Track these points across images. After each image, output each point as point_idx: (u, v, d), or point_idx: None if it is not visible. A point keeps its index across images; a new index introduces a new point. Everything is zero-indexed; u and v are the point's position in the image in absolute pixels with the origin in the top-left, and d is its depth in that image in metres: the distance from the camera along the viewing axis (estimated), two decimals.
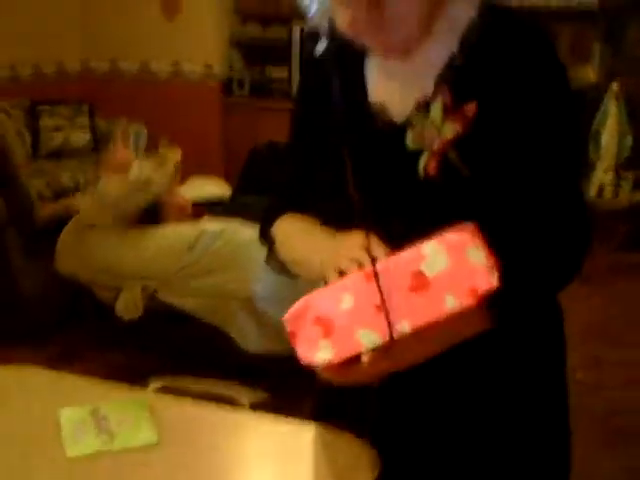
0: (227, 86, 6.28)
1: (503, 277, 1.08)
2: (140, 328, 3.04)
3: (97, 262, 3.08)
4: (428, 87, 1.18)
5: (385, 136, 1.21)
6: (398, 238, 1.12)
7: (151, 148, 5.38)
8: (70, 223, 3.23)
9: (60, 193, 4.87)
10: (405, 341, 1.06)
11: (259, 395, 1.79)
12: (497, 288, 1.08)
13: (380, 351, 1.06)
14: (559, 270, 1.23)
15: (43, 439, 1.44)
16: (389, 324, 1.06)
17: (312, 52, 1.29)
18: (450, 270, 1.07)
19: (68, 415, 1.51)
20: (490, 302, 1.10)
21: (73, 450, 1.38)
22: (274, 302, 2.51)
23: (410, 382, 1.22)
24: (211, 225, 2.99)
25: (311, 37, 1.28)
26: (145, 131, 5.89)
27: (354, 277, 1.09)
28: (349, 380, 1.12)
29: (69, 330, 3.44)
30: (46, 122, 5.49)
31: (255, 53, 6.17)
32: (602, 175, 5.32)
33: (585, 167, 5.52)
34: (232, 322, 2.91)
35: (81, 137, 5.65)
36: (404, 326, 1.06)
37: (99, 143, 5.74)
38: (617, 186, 5.30)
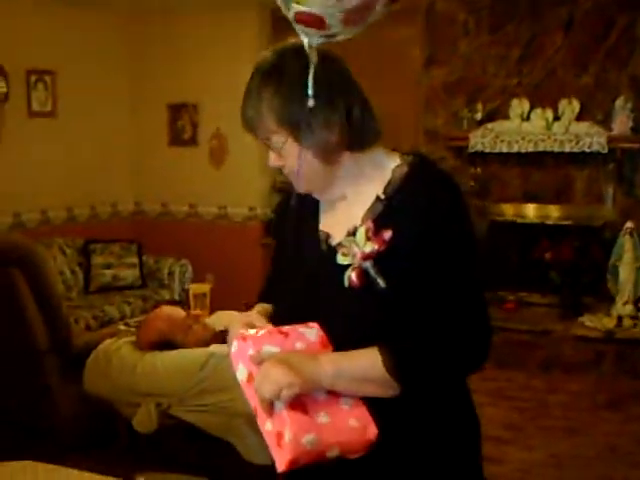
0: (268, 226, 6.72)
1: (406, 355, 1.42)
2: (158, 443, 3.33)
3: (117, 381, 3.38)
4: (357, 219, 1.54)
5: (325, 255, 1.57)
6: (335, 333, 1.48)
7: (195, 281, 5.81)
8: (96, 348, 3.57)
9: (106, 324, 5.27)
10: None
11: None
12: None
13: None
14: (449, 361, 1.47)
15: None
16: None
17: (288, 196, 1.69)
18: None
19: None
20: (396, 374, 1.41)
21: None
22: None
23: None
24: (219, 348, 3.29)
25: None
26: (190, 268, 6.35)
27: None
28: None
29: (98, 448, 3.72)
30: (97, 260, 5.96)
31: None
32: (621, 307, 5.51)
33: (600, 298, 5.73)
34: (238, 436, 3.17)
35: (129, 274, 6.08)
36: None
37: (146, 279, 6.18)
38: (636, 317, 5.46)
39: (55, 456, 2.79)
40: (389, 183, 1.53)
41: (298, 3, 1.36)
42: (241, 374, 1.44)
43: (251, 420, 3.19)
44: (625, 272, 5.49)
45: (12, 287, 3.87)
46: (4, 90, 5.74)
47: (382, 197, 1.53)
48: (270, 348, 1.43)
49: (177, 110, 6.80)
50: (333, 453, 1.39)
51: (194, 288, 4.41)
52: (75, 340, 3.93)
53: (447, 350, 1.45)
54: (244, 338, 1.45)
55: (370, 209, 1.53)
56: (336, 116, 1.50)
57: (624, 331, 5.40)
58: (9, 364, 3.95)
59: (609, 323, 5.46)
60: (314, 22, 1.38)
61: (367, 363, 1.42)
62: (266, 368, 1.38)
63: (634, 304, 5.51)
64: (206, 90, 6.64)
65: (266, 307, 1.65)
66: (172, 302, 5.30)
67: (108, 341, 3.59)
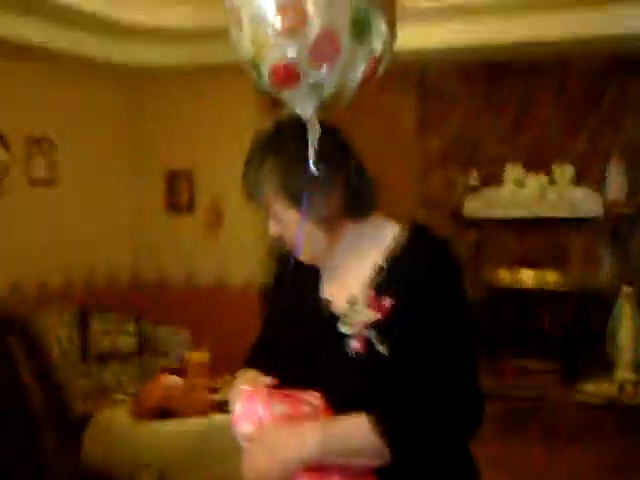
0: (266, 294, 6.71)
1: (396, 421, 1.41)
2: None
3: (117, 452, 3.35)
4: (358, 288, 1.56)
5: (326, 323, 1.58)
6: (334, 400, 1.49)
7: (193, 350, 5.76)
8: (95, 418, 3.54)
9: (104, 392, 5.21)
10: None
11: None
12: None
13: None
14: (440, 428, 1.47)
15: None
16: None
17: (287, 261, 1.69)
18: None
19: None
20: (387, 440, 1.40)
21: None
22: None
23: None
24: (220, 419, 3.26)
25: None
26: (188, 336, 6.30)
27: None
28: None
29: None
30: (95, 327, 5.90)
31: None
32: (622, 373, 5.47)
33: (601, 364, 5.69)
34: None
35: (127, 342, 6.02)
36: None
37: (144, 347, 6.14)
38: (637, 383, 5.42)
39: None
40: (388, 251, 1.56)
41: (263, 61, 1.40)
42: (245, 432, 1.44)
43: None
44: (625, 337, 5.47)
45: (9, 356, 3.86)
46: (4, 159, 5.79)
47: (382, 265, 1.55)
48: (280, 407, 1.44)
49: (173, 178, 6.85)
50: None
51: (193, 357, 4.38)
52: (72, 408, 3.90)
53: (438, 415, 1.45)
54: (251, 397, 1.45)
55: (370, 277, 1.56)
56: (335, 186, 1.54)
57: (626, 397, 5.36)
58: (6, 432, 3.90)
59: (610, 389, 5.41)
60: (288, 74, 1.42)
61: (356, 432, 1.42)
62: (252, 455, 1.42)
63: (635, 370, 5.47)
64: (202, 158, 6.69)
65: (252, 373, 1.64)
66: (171, 370, 5.27)
67: (106, 410, 3.56)
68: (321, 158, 1.50)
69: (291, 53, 1.40)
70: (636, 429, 5.25)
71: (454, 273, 1.54)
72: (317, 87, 1.45)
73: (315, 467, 1.39)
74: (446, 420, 1.46)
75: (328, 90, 1.46)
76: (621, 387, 5.42)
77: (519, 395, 5.52)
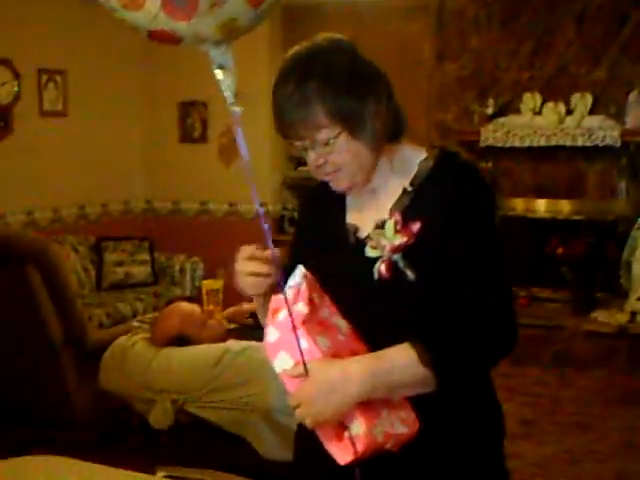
0: (280, 223, 6.73)
1: (441, 347, 1.41)
2: (174, 439, 3.34)
3: (133, 378, 3.40)
4: (385, 212, 1.55)
5: (353, 248, 1.57)
6: (364, 326, 1.47)
7: (206, 278, 5.80)
8: (112, 345, 3.58)
9: (119, 321, 5.28)
10: None
11: None
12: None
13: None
14: (482, 352, 1.48)
15: None
16: (300, 352, 1.38)
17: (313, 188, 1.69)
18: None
19: None
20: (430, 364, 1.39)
21: None
22: (289, 414, 2.74)
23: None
24: (235, 344, 3.30)
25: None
26: (201, 264, 6.36)
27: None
28: None
29: (113, 441, 3.75)
30: (109, 257, 5.97)
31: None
32: (634, 302, 5.49)
33: (614, 294, 5.71)
34: (252, 432, 3.17)
35: (141, 271, 6.09)
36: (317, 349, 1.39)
37: (158, 276, 6.20)
38: None
39: (71, 450, 2.82)
40: (416, 176, 1.55)
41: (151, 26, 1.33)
42: (283, 364, 1.40)
43: (267, 416, 3.23)
44: (638, 267, 5.46)
45: (27, 283, 3.89)
46: (16, 89, 5.76)
47: (409, 189, 1.54)
48: (323, 340, 1.40)
49: (187, 108, 6.82)
50: (389, 445, 1.39)
51: (207, 284, 4.38)
52: (89, 336, 3.96)
53: (479, 339, 1.45)
54: (289, 327, 1.39)
55: (398, 202, 1.54)
56: (382, 105, 1.51)
57: (637, 326, 5.38)
58: (25, 360, 3.98)
59: (622, 318, 5.44)
60: (166, 36, 1.35)
61: (402, 363, 1.40)
62: (304, 393, 1.38)
63: None
64: (216, 87, 6.63)
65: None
66: (185, 298, 5.32)
67: (123, 338, 3.60)
68: (366, 79, 1.49)
69: (147, 21, 1.31)
70: None
71: (483, 193, 1.52)
72: (198, 36, 1.35)
73: (364, 403, 1.38)
74: (485, 343, 1.46)
75: (211, 36, 1.36)
76: (632, 316, 5.44)
77: (531, 323, 5.55)
